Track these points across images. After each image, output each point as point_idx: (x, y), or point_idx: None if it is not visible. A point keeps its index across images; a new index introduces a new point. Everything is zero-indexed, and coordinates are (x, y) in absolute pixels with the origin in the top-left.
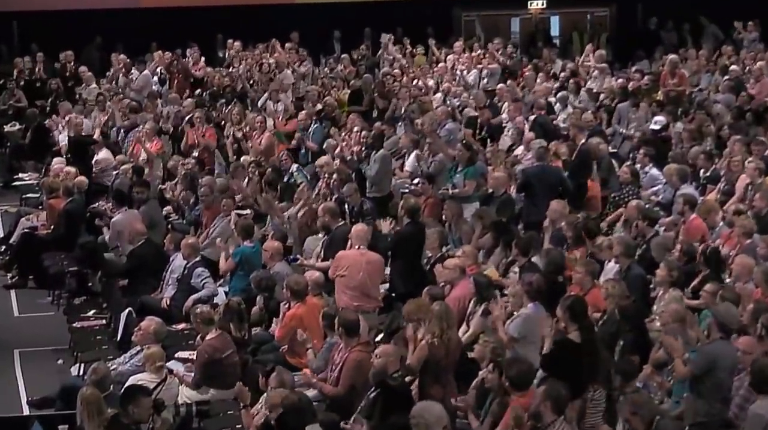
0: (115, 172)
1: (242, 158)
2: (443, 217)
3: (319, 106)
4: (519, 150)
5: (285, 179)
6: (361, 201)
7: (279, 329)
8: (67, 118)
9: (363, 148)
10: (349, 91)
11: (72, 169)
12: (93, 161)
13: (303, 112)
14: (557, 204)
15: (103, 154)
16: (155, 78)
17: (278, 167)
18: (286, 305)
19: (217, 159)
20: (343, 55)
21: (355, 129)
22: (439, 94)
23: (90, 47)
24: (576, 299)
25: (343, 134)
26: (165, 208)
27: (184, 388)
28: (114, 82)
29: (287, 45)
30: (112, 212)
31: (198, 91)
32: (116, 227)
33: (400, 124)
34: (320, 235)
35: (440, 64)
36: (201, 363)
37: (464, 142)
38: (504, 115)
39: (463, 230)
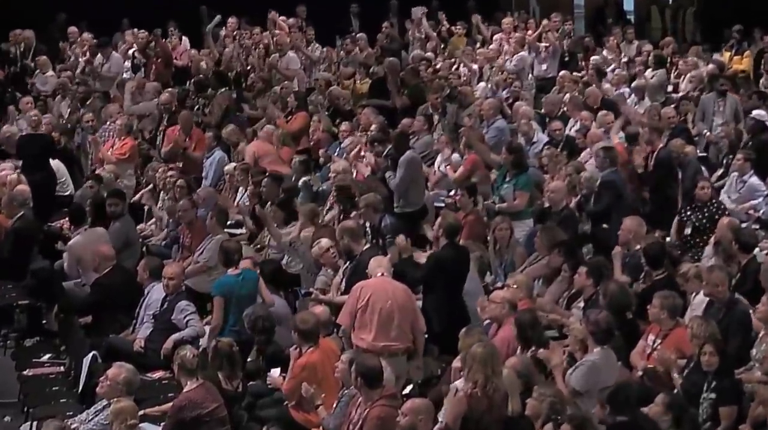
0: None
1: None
2: (488, 238)
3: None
4: (583, 154)
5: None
6: (380, 217)
7: (287, 380)
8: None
9: (378, 156)
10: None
11: (14, 176)
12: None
13: (345, 123)
14: (631, 222)
15: (55, 162)
16: (127, 63)
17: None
18: (297, 350)
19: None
20: (360, 34)
21: (372, 127)
22: (482, 83)
23: (51, 27)
24: None
25: (352, 139)
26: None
27: None
28: (75, 70)
29: (290, 21)
30: (70, 232)
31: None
32: (73, 252)
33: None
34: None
35: (486, 46)
36: (173, 422)
37: (510, 144)
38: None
39: (517, 253)
